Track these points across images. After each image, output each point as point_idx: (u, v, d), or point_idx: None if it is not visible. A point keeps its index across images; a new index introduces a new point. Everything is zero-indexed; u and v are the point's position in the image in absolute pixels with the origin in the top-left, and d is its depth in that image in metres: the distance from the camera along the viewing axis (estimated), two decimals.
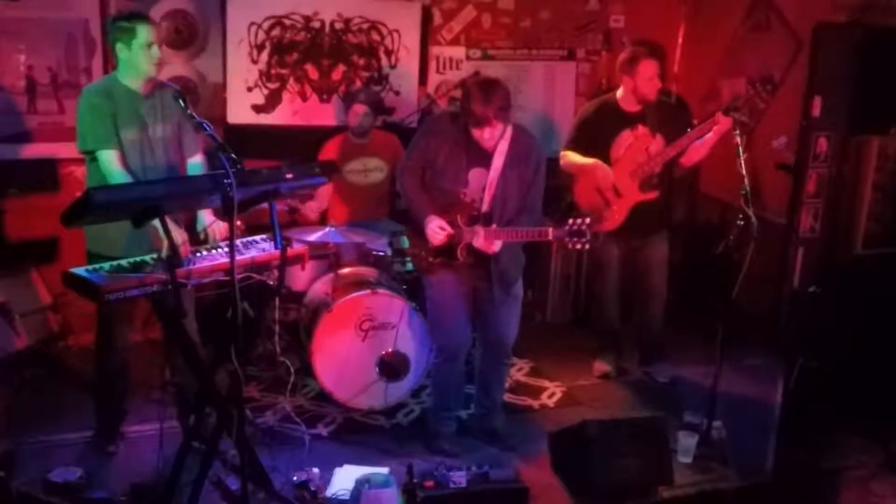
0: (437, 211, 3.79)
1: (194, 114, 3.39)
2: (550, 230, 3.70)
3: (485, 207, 3.78)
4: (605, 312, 4.95)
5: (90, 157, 3.63)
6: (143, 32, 3.54)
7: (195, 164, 3.83)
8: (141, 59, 3.56)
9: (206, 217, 3.71)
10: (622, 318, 5.00)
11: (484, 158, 3.75)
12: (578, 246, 3.69)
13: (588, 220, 3.68)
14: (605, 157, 4.50)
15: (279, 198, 3.29)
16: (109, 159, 3.54)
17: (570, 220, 3.68)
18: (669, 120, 4.56)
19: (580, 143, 4.58)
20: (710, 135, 4.38)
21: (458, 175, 3.77)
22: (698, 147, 4.47)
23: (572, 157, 4.55)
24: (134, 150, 3.61)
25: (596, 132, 4.56)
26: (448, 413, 4.20)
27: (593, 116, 4.61)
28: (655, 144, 4.52)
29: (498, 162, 3.74)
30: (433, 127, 4.00)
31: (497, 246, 3.73)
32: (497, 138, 3.70)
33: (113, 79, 3.67)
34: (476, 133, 3.67)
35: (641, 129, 4.54)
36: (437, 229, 3.75)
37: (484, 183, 3.76)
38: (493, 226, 3.74)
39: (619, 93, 4.58)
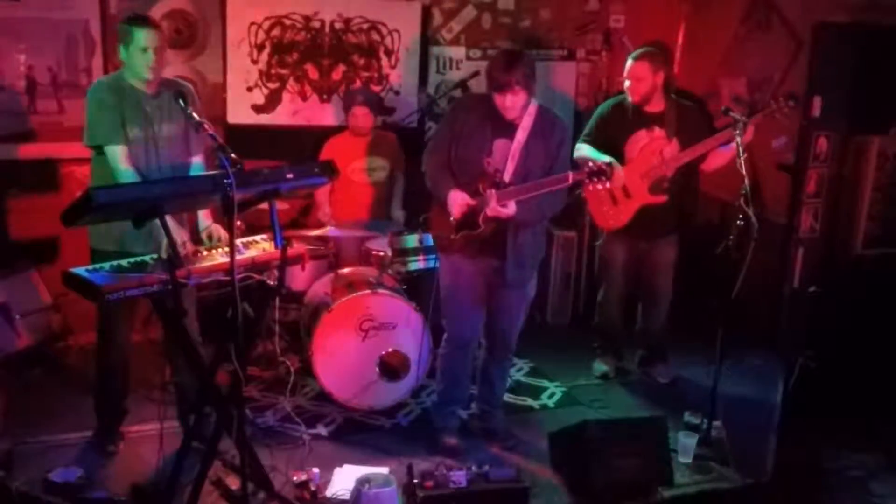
0: (460, 186, 3.79)
1: (194, 114, 3.39)
2: (570, 174, 3.68)
3: (507, 177, 3.77)
4: (609, 312, 4.94)
5: (97, 151, 3.63)
6: (139, 36, 3.52)
7: (196, 164, 3.82)
8: (136, 62, 3.56)
9: (204, 219, 3.73)
10: (625, 320, 5.00)
11: (509, 131, 3.77)
12: (600, 186, 3.67)
13: (607, 160, 3.65)
14: (619, 155, 4.44)
15: (279, 198, 3.30)
16: (116, 155, 3.54)
17: (590, 163, 3.68)
18: (688, 125, 4.50)
19: (596, 137, 4.56)
20: (732, 146, 4.27)
21: (482, 143, 3.78)
22: (721, 154, 4.41)
23: (587, 151, 4.49)
24: (139, 147, 3.61)
25: (612, 128, 4.54)
26: (453, 407, 4.19)
27: (611, 112, 4.59)
28: (670, 148, 4.48)
29: (521, 134, 3.76)
30: (461, 102, 4.16)
31: (511, 207, 3.70)
32: (519, 109, 3.72)
33: (121, 75, 3.67)
34: (498, 100, 3.70)
35: (658, 131, 4.50)
36: (458, 199, 3.75)
37: (508, 153, 3.77)
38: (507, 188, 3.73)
39: None
